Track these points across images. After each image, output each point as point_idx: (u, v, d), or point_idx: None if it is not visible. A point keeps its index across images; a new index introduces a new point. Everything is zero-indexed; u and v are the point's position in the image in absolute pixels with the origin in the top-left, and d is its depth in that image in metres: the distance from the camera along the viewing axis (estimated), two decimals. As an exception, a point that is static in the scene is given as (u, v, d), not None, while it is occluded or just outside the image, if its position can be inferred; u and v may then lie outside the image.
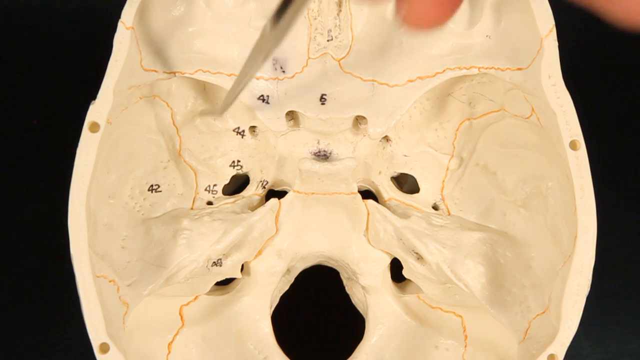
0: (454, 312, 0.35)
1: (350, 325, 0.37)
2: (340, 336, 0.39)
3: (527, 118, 0.32)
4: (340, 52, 0.33)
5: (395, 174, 0.36)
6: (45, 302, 0.39)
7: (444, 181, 0.35)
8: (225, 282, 0.36)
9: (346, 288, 0.37)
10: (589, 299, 0.29)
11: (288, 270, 0.35)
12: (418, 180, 0.36)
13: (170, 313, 0.34)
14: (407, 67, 0.32)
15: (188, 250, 0.32)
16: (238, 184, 0.37)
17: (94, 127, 0.30)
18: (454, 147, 0.35)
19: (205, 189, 0.35)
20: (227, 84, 0.32)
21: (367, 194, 0.35)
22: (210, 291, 0.34)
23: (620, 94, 0.42)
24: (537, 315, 0.31)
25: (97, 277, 0.30)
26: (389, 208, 0.34)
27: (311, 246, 0.35)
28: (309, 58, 0.33)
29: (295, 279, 0.36)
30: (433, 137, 0.36)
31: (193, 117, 0.35)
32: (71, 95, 0.40)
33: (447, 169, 0.35)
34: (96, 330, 0.29)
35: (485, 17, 0.31)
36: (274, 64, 0.32)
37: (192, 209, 0.35)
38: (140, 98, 0.33)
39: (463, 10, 0.32)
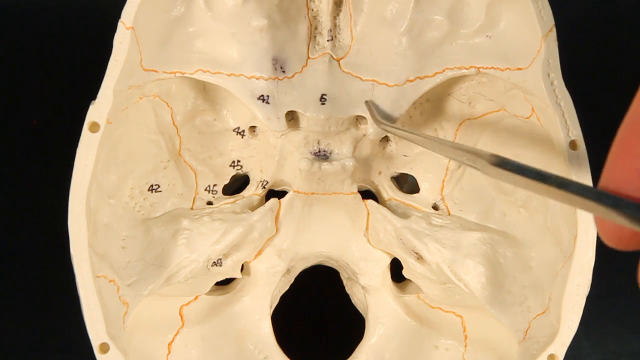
0: (454, 312, 0.35)
1: (350, 325, 0.37)
2: (340, 336, 0.39)
3: (527, 118, 0.32)
4: (340, 52, 0.33)
5: (395, 174, 0.36)
6: (45, 302, 0.39)
7: (444, 181, 0.35)
8: (225, 282, 0.36)
9: (346, 288, 0.37)
10: (589, 299, 0.29)
11: (288, 270, 0.35)
12: (418, 180, 0.36)
13: (170, 313, 0.34)
14: (407, 67, 0.32)
15: (188, 250, 0.32)
16: (238, 184, 0.37)
17: (94, 127, 0.30)
18: (454, 147, 0.35)
19: (205, 189, 0.35)
20: (227, 84, 0.32)
21: (367, 194, 0.35)
22: (210, 291, 0.34)
23: (620, 94, 0.42)
24: (537, 315, 0.31)
25: (97, 277, 0.30)
26: (389, 208, 0.34)
27: (311, 246, 0.35)
28: (309, 58, 0.33)
29: (295, 279, 0.36)
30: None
31: (193, 117, 0.35)
32: (71, 95, 0.40)
33: (447, 169, 0.35)
34: (96, 330, 0.29)
35: (485, 17, 0.31)
36: (274, 64, 0.32)
37: (192, 209, 0.35)
38: (140, 98, 0.33)
39: (463, 10, 0.31)
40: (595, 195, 0.16)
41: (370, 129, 0.32)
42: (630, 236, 0.16)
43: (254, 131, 0.36)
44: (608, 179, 0.17)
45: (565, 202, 0.16)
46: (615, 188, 0.16)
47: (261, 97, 0.32)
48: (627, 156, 0.16)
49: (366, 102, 0.32)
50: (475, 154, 0.20)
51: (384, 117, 0.32)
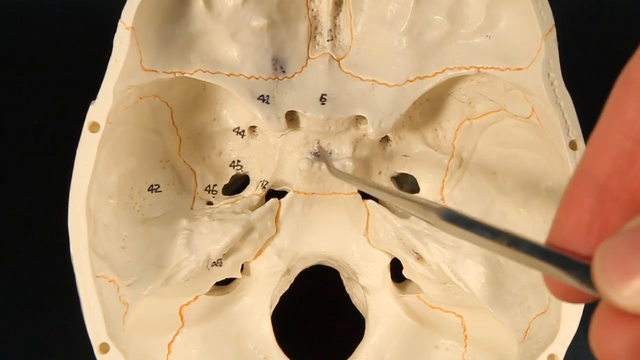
0: (454, 312, 0.35)
1: (350, 325, 0.37)
2: (340, 336, 0.39)
3: (527, 118, 0.32)
4: (340, 52, 0.33)
5: (395, 174, 0.36)
6: (45, 302, 0.39)
7: (444, 181, 0.35)
8: (225, 282, 0.36)
9: (346, 288, 0.37)
10: (589, 298, 0.29)
11: (288, 270, 0.35)
12: (418, 180, 0.36)
13: (170, 313, 0.34)
14: (407, 67, 0.32)
15: (188, 250, 0.32)
16: (238, 184, 0.37)
17: (94, 127, 0.30)
18: (454, 147, 0.35)
19: (205, 189, 0.35)
20: (227, 84, 0.32)
21: (367, 194, 0.35)
22: (210, 291, 0.34)
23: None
24: (537, 315, 0.31)
25: (97, 277, 0.30)
26: (389, 208, 0.34)
27: (311, 246, 0.35)
28: (309, 58, 0.33)
29: (295, 279, 0.36)
30: (433, 137, 0.36)
31: (193, 117, 0.35)
32: (71, 95, 0.40)
33: (447, 169, 0.35)
34: (96, 330, 0.29)
35: (485, 17, 0.31)
36: (274, 64, 0.32)
37: (192, 209, 0.35)
38: (140, 98, 0.33)
39: (463, 10, 0.32)
40: (544, 255, 0.15)
41: (371, 129, 0.32)
42: (576, 293, 0.16)
43: (254, 131, 0.36)
44: (556, 234, 0.16)
45: (515, 260, 0.16)
46: (562, 244, 0.16)
47: (261, 97, 0.32)
48: (575, 210, 0.16)
49: (320, 147, 0.32)
50: (427, 206, 0.20)
51: (384, 117, 0.32)
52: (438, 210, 0.19)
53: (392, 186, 0.36)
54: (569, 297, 0.16)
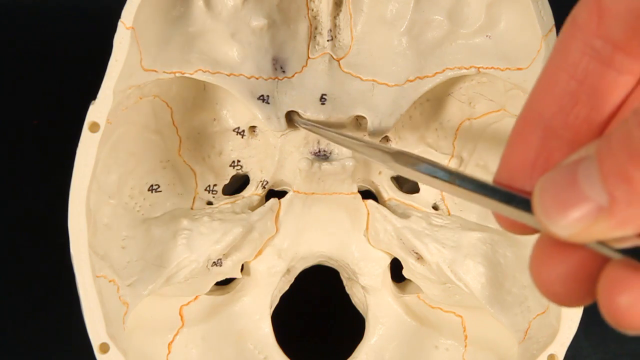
0: (454, 312, 0.35)
1: (350, 325, 0.37)
2: (340, 336, 0.39)
3: (527, 118, 0.32)
4: (340, 52, 0.33)
5: (395, 174, 0.36)
6: (45, 302, 0.39)
7: (444, 181, 0.35)
8: (225, 282, 0.36)
9: (346, 288, 0.37)
10: (589, 299, 0.29)
11: (288, 270, 0.35)
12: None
13: (170, 313, 0.34)
14: (407, 67, 0.32)
15: (188, 250, 0.32)
16: (238, 184, 0.37)
17: (94, 127, 0.30)
18: (454, 147, 0.35)
19: (205, 189, 0.35)
20: (227, 84, 0.32)
21: (367, 194, 0.35)
22: (210, 291, 0.34)
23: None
24: (537, 315, 0.31)
25: (97, 277, 0.30)
26: (389, 208, 0.34)
27: (311, 246, 0.35)
28: (309, 58, 0.33)
29: (295, 279, 0.36)
30: (433, 137, 0.36)
31: (193, 117, 0.35)
32: (71, 95, 0.40)
33: (447, 169, 0.35)
34: (96, 330, 0.29)
35: (485, 17, 0.31)
36: (274, 64, 0.32)
37: (192, 209, 0.35)
38: (140, 98, 0.33)
39: (463, 10, 0.32)
40: (490, 191, 0.16)
41: (370, 128, 0.32)
42: (521, 226, 0.17)
43: (254, 131, 0.36)
44: (503, 172, 0.17)
45: (466, 199, 0.17)
46: (509, 181, 0.17)
47: (261, 97, 0.32)
48: (521, 149, 0.17)
49: (292, 113, 0.32)
50: (384, 152, 0.21)
51: (384, 117, 0.32)
52: (393, 154, 0.20)
53: (392, 185, 0.36)
54: (515, 229, 0.17)
